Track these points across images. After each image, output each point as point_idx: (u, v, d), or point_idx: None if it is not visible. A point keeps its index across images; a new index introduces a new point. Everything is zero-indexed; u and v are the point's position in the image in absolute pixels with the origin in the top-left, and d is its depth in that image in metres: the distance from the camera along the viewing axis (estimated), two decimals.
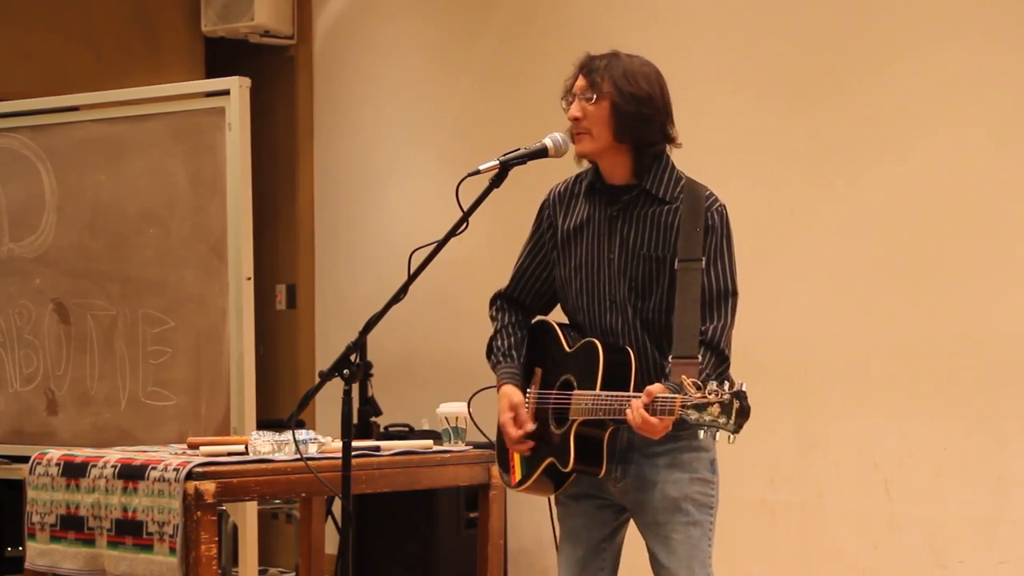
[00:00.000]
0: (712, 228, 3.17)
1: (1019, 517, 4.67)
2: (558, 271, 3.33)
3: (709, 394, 2.85)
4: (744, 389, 2.84)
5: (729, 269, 3.18)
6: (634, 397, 3.02)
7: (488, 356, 3.43)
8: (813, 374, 5.19)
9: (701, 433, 2.89)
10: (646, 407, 2.97)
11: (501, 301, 3.45)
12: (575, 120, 3.22)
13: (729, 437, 2.85)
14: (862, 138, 5.10)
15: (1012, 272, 4.74)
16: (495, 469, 4.28)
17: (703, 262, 3.14)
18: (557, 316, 3.41)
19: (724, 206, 3.21)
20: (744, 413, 2.82)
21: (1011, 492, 4.69)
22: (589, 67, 3.23)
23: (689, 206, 3.19)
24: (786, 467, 5.24)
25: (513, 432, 3.27)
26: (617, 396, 3.06)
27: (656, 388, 2.98)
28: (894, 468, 4.96)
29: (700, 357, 3.07)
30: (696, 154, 3.35)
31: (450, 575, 5.82)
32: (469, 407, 3.71)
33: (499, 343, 3.40)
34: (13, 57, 6.69)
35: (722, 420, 2.83)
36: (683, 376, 2.93)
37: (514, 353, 3.37)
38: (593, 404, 3.11)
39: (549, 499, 3.42)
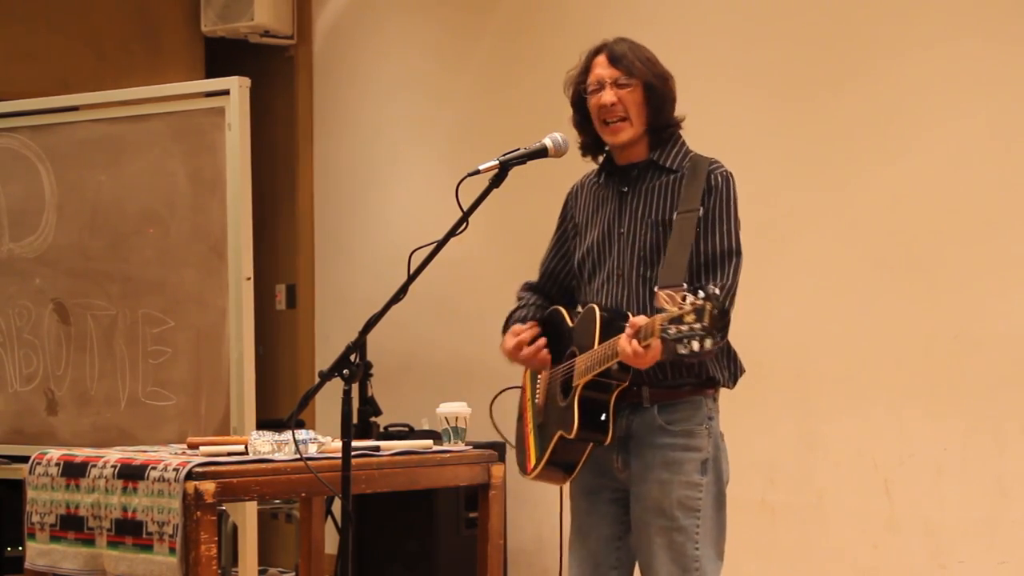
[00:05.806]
0: (715, 188, 3.19)
1: (1019, 517, 4.67)
2: (575, 258, 3.36)
3: (685, 304, 2.75)
4: (717, 292, 2.72)
5: (732, 229, 3.19)
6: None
7: (506, 326, 3.42)
8: (813, 374, 5.19)
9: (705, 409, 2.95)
10: (633, 337, 2.93)
11: (529, 286, 3.49)
12: (610, 107, 3.20)
13: (704, 341, 2.69)
14: (861, 138, 5.10)
15: (1011, 272, 4.74)
16: (495, 469, 4.29)
17: (700, 212, 3.14)
18: None
19: (730, 172, 3.24)
20: (719, 315, 2.69)
21: (1011, 492, 4.69)
22: (614, 54, 3.23)
23: (692, 171, 3.22)
24: (786, 467, 5.24)
25: (511, 343, 3.28)
26: (609, 343, 3.03)
27: (640, 319, 2.95)
28: (894, 468, 4.96)
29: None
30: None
31: (450, 575, 5.81)
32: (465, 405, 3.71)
33: (518, 313, 3.42)
34: (13, 57, 6.69)
35: (697, 326, 2.70)
36: (662, 296, 2.83)
37: (532, 312, 3.38)
38: (590, 361, 3.09)
39: (561, 494, 3.41)
